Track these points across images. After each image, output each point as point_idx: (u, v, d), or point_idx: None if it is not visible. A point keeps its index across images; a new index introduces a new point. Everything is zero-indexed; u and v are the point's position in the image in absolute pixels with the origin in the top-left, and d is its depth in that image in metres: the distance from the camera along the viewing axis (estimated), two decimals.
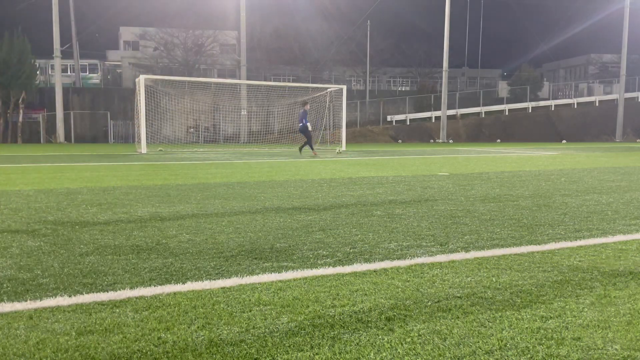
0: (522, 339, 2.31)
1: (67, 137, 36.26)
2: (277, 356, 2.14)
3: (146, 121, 21.67)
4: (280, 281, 3.13)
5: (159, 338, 2.30)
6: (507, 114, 48.68)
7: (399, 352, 2.17)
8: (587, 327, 2.45)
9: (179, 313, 2.60)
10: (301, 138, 20.29)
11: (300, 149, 19.72)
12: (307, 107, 19.36)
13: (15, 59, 34.99)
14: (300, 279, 3.18)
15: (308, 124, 18.88)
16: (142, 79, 21.61)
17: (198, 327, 2.42)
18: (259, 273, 3.30)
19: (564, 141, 42.53)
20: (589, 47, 64.39)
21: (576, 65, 67.91)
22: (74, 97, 39.51)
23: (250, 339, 2.29)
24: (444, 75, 42.43)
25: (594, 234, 4.51)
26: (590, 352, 2.18)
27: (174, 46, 46.57)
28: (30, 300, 2.78)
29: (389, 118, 47.19)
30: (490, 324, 2.48)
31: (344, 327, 2.43)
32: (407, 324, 2.47)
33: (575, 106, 50.71)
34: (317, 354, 2.16)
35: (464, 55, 62.78)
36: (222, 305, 2.71)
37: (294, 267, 3.43)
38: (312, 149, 19.17)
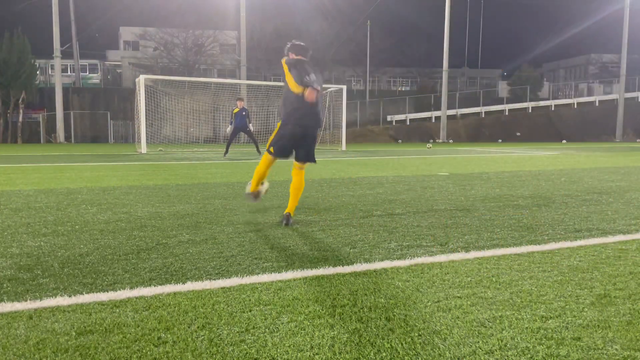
0: (522, 339, 2.31)
1: (67, 137, 36.28)
2: (277, 356, 2.14)
3: (146, 121, 21.66)
4: (280, 281, 3.13)
5: (159, 338, 2.30)
6: (507, 114, 48.70)
7: (399, 352, 2.17)
8: (587, 327, 2.45)
9: (179, 313, 2.60)
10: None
11: (258, 150, 18.16)
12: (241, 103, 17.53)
13: (15, 59, 35.01)
14: (300, 279, 3.18)
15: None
16: (142, 79, 21.61)
17: (198, 327, 2.42)
18: (259, 273, 3.30)
19: (564, 141, 42.55)
20: (589, 47, 64.47)
21: (576, 65, 67.91)
22: (74, 97, 39.51)
23: (250, 339, 2.29)
24: (444, 75, 42.44)
25: (594, 234, 4.51)
26: (590, 352, 2.18)
27: (174, 46, 46.57)
28: (30, 300, 2.78)
29: (389, 118, 47.20)
30: (490, 324, 2.48)
31: (344, 327, 2.43)
32: (407, 324, 2.47)
33: (575, 106, 50.73)
34: (317, 354, 2.16)
35: (464, 55, 62.86)
36: (222, 305, 2.71)
37: (294, 267, 3.43)
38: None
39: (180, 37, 46.04)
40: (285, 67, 4.86)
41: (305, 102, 4.68)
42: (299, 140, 4.91)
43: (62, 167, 12.31)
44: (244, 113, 17.29)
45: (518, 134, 46.51)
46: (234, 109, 17.52)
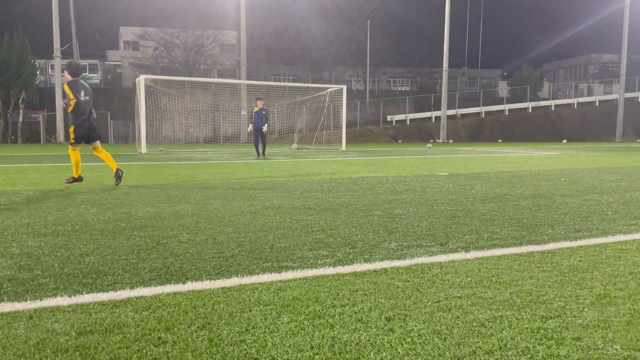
0: (522, 339, 2.31)
1: (67, 137, 36.24)
2: (277, 356, 2.14)
3: (146, 121, 21.66)
4: (280, 281, 3.13)
5: (159, 338, 2.30)
6: (507, 114, 48.71)
7: (399, 352, 2.17)
8: (587, 327, 2.45)
9: (179, 313, 2.60)
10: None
11: (264, 152, 18.17)
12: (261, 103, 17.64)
13: (15, 59, 35.02)
14: (300, 279, 3.18)
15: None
16: (142, 79, 21.61)
17: (198, 327, 2.42)
18: (259, 273, 3.30)
19: (564, 140, 42.53)
20: (589, 47, 64.44)
21: (576, 65, 67.92)
22: None
23: (250, 339, 2.29)
24: (444, 75, 42.44)
25: (594, 234, 4.51)
26: (590, 352, 2.18)
27: (174, 46, 46.56)
28: (30, 300, 2.78)
29: (389, 118, 47.21)
30: (490, 324, 2.48)
31: (344, 327, 2.43)
32: (407, 324, 2.47)
33: (575, 106, 50.74)
34: (317, 354, 2.16)
35: (464, 55, 62.85)
36: (222, 305, 2.71)
37: (294, 267, 3.43)
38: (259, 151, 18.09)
39: (180, 37, 46.03)
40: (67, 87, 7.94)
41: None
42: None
43: (62, 167, 12.30)
44: (263, 112, 17.61)
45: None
46: (254, 108, 17.73)
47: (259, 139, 18.06)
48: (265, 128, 17.70)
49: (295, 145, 27.49)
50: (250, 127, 17.99)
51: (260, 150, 18.13)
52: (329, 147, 27.03)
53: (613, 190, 7.71)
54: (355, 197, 6.89)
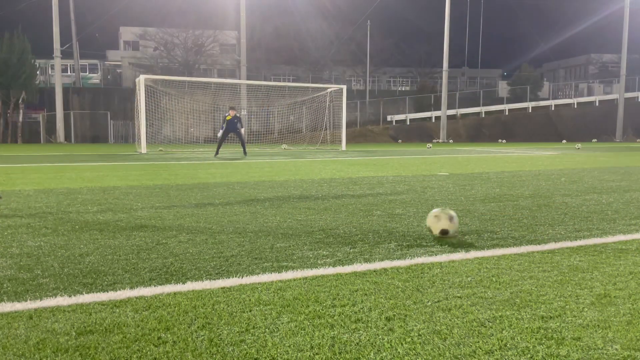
0: (522, 339, 2.31)
1: (67, 137, 36.27)
2: (277, 356, 2.14)
3: (146, 121, 21.67)
4: (280, 281, 3.13)
5: (159, 338, 2.30)
6: (507, 114, 48.72)
7: (399, 352, 2.17)
8: (587, 327, 2.45)
9: (179, 313, 2.60)
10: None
11: (244, 151, 19.10)
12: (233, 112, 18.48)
13: (15, 59, 35.05)
14: (300, 279, 3.18)
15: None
16: (142, 79, 21.61)
17: (198, 327, 2.42)
18: (259, 273, 3.30)
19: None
20: (589, 47, 64.50)
21: (576, 65, 67.96)
22: (74, 97, 39.53)
23: (250, 339, 2.29)
24: (444, 75, 42.44)
25: (594, 234, 4.51)
26: (590, 352, 2.18)
27: (174, 46, 46.60)
28: (30, 300, 2.78)
29: (389, 118, 47.23)
30: (490, 324, 2.48)
31: (344, 327, 2.43)
32: (407, 324, 2.47)
33: (575, 106, 50.75)
34: (317, 354, 2.16)
35: (464, 55, 62.85)
36: (222, 305, 2.71)
37: (294, 267, 3.43)
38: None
39: (180, 37, 46.07)
40: None
41: None
42: None
43: (62, 167, 12.31)
44: (235, 120, 18.41)
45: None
46: (226, 116, 18.48)
47: (225, 139, 18.94)
48: (242, 130, 18.74)
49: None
50: (221, 132, 18.59)
51: (240, 149, 19.27)
52: (329, 147, 27.02)
53: (613, 190, 7.71)
54: (355, 197, 6.89)
